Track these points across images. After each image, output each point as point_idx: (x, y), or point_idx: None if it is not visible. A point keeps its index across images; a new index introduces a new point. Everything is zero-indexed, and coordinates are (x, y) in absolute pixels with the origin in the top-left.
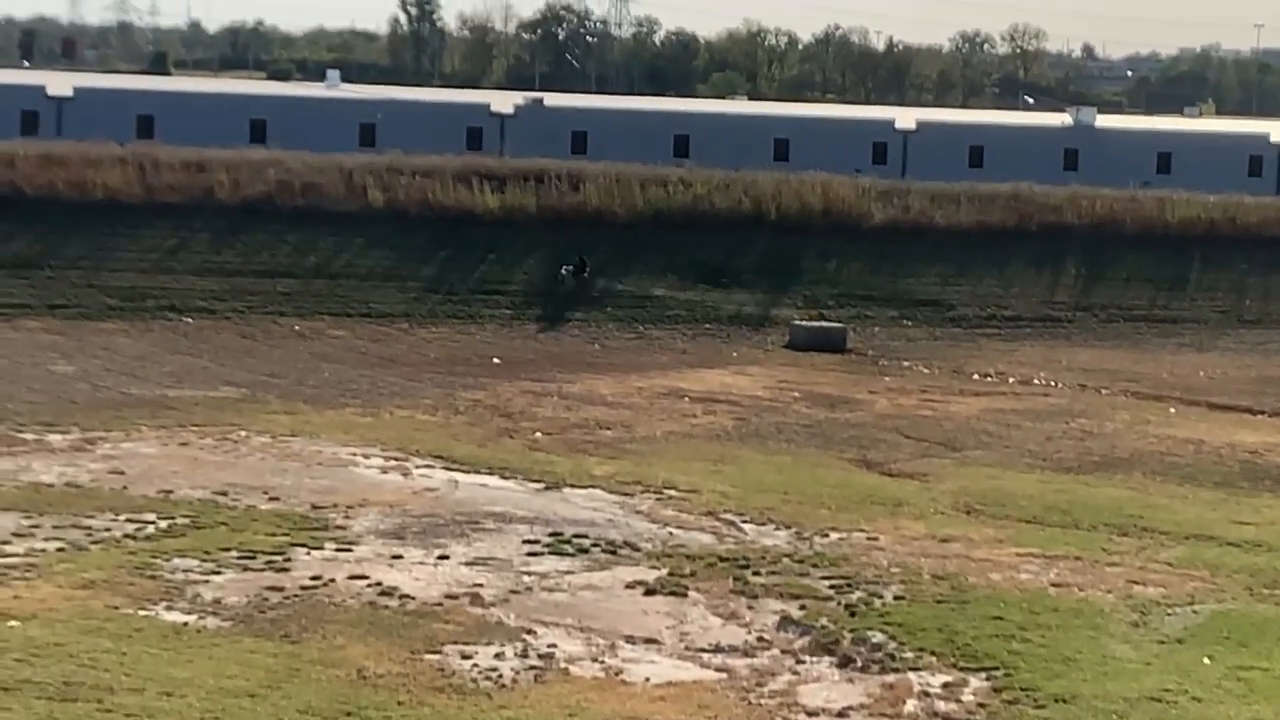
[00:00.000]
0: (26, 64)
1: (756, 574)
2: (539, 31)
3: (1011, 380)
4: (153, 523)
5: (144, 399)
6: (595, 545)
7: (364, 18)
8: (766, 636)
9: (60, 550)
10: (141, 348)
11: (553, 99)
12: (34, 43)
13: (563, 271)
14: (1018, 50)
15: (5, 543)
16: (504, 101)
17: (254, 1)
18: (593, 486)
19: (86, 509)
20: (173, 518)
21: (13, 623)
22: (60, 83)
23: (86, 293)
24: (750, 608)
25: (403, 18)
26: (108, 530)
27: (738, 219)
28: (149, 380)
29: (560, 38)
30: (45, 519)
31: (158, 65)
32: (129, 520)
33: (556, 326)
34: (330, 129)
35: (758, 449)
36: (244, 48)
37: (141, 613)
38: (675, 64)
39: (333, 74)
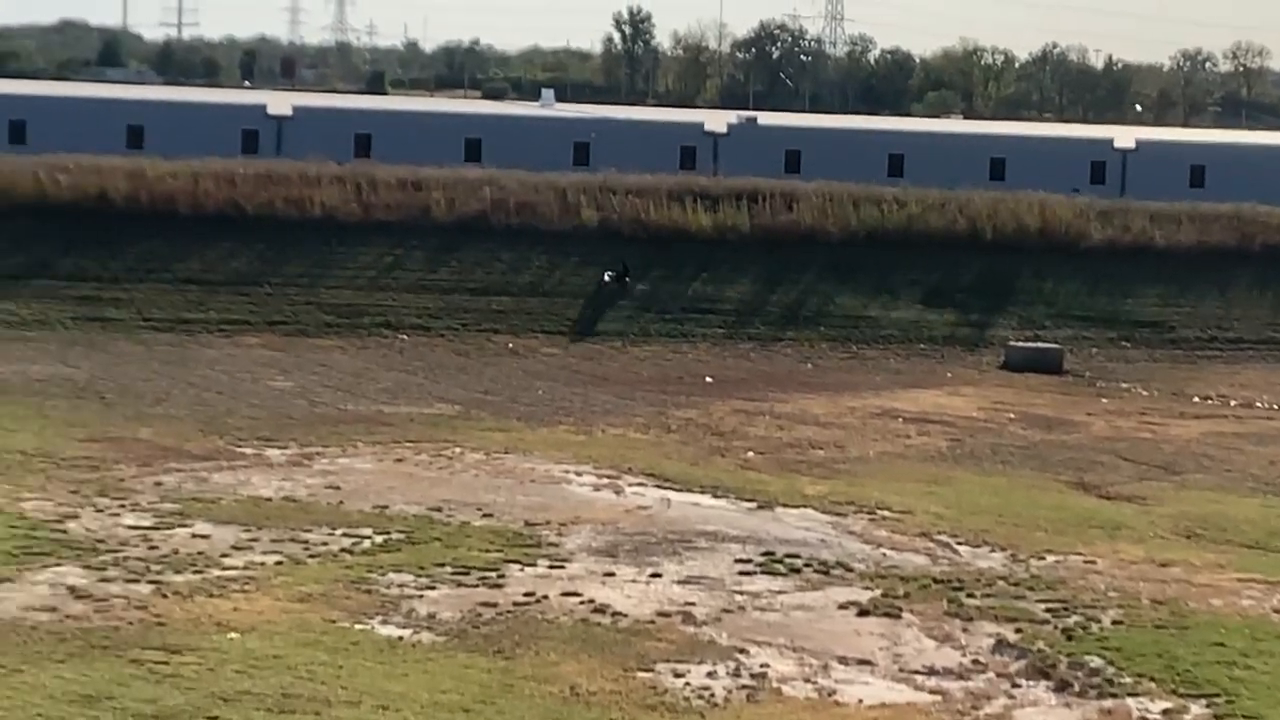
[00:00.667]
0: (247, 84)
1: (971, 596)
2: (753, 50)
3: (1233, 403)
4: (369, 537)
5: (360, 415)
6: (808, 565)
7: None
8: (981, 659)
9: (278, 563)
10: (358, 364)
11: (766, 118)
12: (254, 63)
13: (606, 277)
14: (1240, 68)
15: (225, 555)
16: (718, 120)
17: (470, 21)
18: (805, 506)
19: (304, 523)
20: (388, 533)
21: (232, 635)
22: (280, 102)
23: (305, 310)
24: (965, 630)
25: (617, 37)
26: (324, 544)
27: (952, 238)
28: (365, 396)
29: (774, 56)
30: (264, 532)
31: (375, 85)
32: (345, 535)
33: (767, 346)
34: (545, 148)
35: (972, 470)
36: (460, 67)
37: (358, 626)
38: (890, 82)
39: (547, 93)
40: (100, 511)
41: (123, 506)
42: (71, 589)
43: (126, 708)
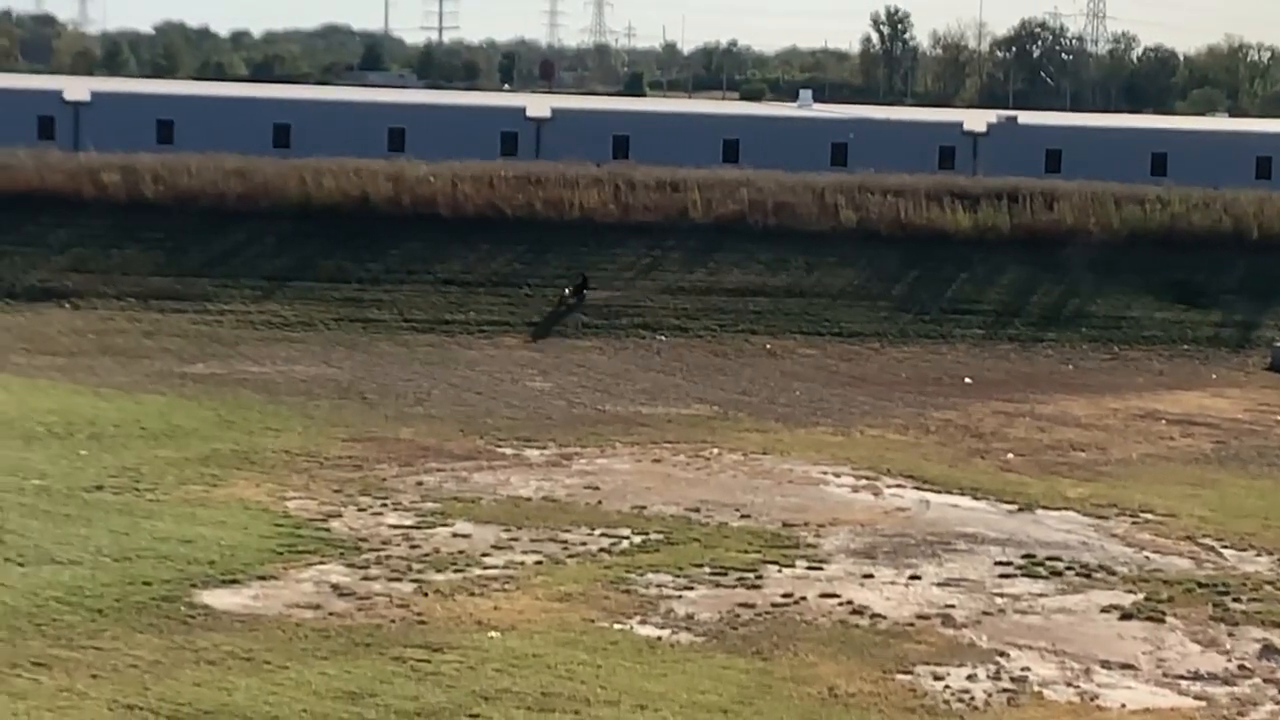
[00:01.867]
0: (506, 87)
1: (1237, 600)
2: (1013, 49)
3: None
4: (627, 538)
5: (618, 415)
6: (1069, 568)
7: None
8: (1248, 665)
9: (538, 563)
10: (616, 365)
11: (1027, 117)
12: (514, 66)
13: (565, 291)
14: None
15: (485, 555)
16: (977, 120)
17: (728, 22)
18: (1066, 509)
19: (563, 523)
20: (646, 533)
21: (493, 633)
22: (539, 104)
23: (563, 310)
24: (1231, 635)
25: (875, 37)
26: (583, 544)
27: (1217, 238)
28: (623, 397)
29: (1035, 55)
30: (523, 532)
31: (633, 86)
32: (604, 535)
33: (1028, 347)
34: (802, 148)
35: (1238, 473)
36: (718, 68)
37: (616, 626)
38: (1153, 80)
39: (805, 93)
40: (363, 510)
41: (385, 505)
42: (335, 587)
43: (389, 705)
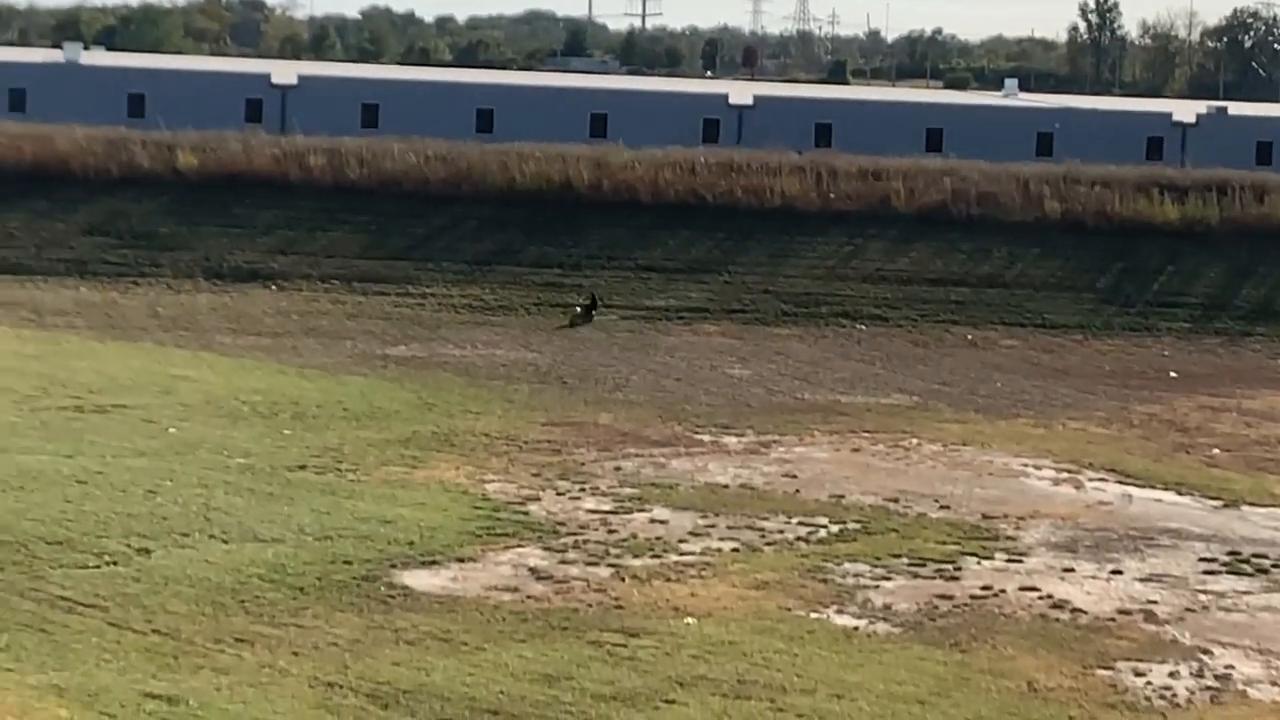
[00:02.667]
0: (709, 74)
1: None
2: (1224, 39)
3: None
4: (824, 526)
5: (816, 404)
6: (1276, 566)
7: (1043, 26)
8: None
9: (734, 550)
10: (815, 353)
11: (1237, 108)
12: (716, 53)
13: (576, 309)
14: None
15: (682, 541)
16: (1186, 110)
17: (933, 10)
18: (1274, 505)
19: (760, 511)
20: (844, 522)
21: (689, 620)
22: (741, 92)
23: (762, 298)
24: None
25: (1082, 26)
26: (780, 532)
27: None
28: (822, 385)
29: (1246, 46)
30: (720, 519)
31: (836, 74)
32: (801, 523)
33: (1235, 341)
34: (1006, 138)
35: None
36: (921, 57)
37: (813, 615)
38: None
39: (1010, 82)
40: (561, 495)
41: (583, 490)
42: (533, 570)
43: (585, 688)
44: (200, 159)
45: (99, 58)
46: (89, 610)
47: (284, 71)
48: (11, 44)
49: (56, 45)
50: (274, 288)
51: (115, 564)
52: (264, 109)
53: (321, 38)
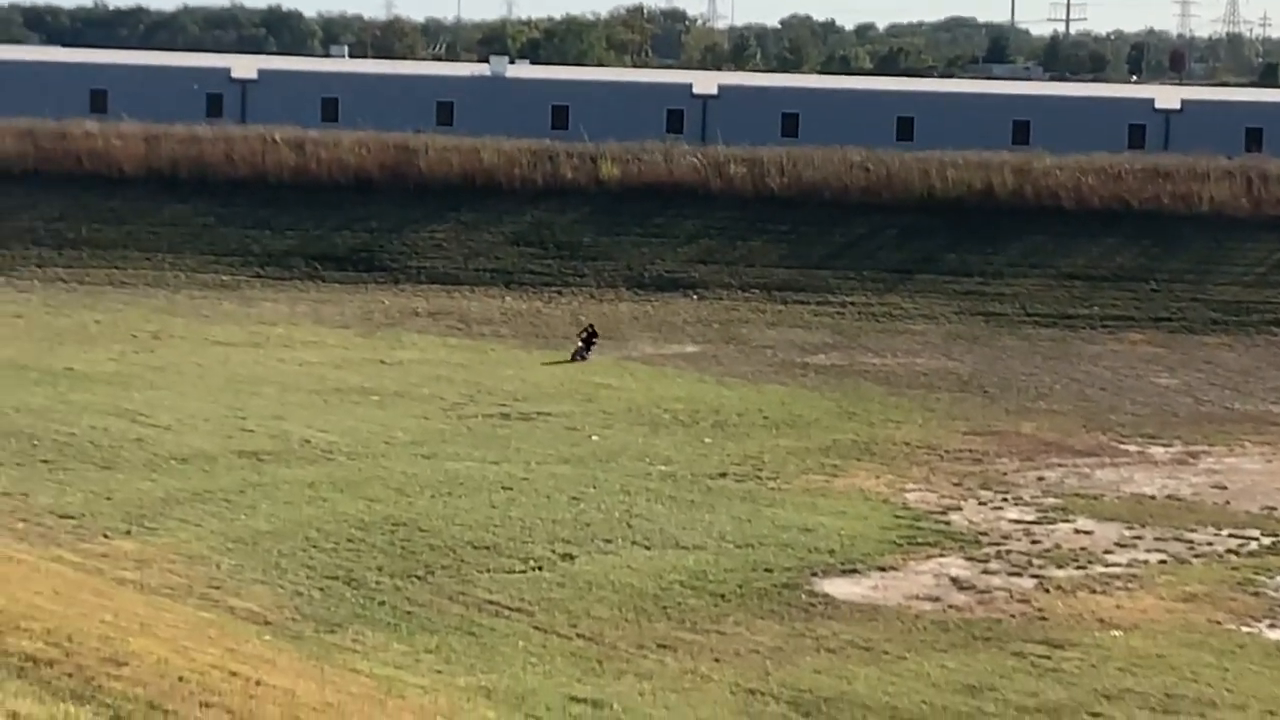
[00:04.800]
0: (1134, 78)
1: None
2: None
3: None
4: (1255, 539)
5: (1248, 414)
6: None
7: None
8: None
9: (1161, 562)
10: (1245, 362)
11: None
12: (1142, 56)
13: (579, 343)
14: None
15: (1107, 552)
16: None
17: None
18: None
19: (1188, 522)
20: (1277, 535)
21: (1115, 632)
22: (1167, 96)
23: (1190, 306)
24: None
25: None
26: (1209, 544)
27: None
28: (1253, 396)
29: None
30: (1147, 530)
31: (1267, 77)
32: (1231, 535)
33: None
34: None
35: None
36: None
37: (1244, 629)
38: None
39: None
40: (983, 504)
41: (1005, 500)
42: (954, 580)
43: (1009, 700)
44: (622, 169)
45: (524, 71)
46: (515, 614)
47: (705, 82)
48: (439, 58)
49: (483, 59)
50: (694, 297)
51: (540, 569)
52: (685, 119)
53: (741, 47)
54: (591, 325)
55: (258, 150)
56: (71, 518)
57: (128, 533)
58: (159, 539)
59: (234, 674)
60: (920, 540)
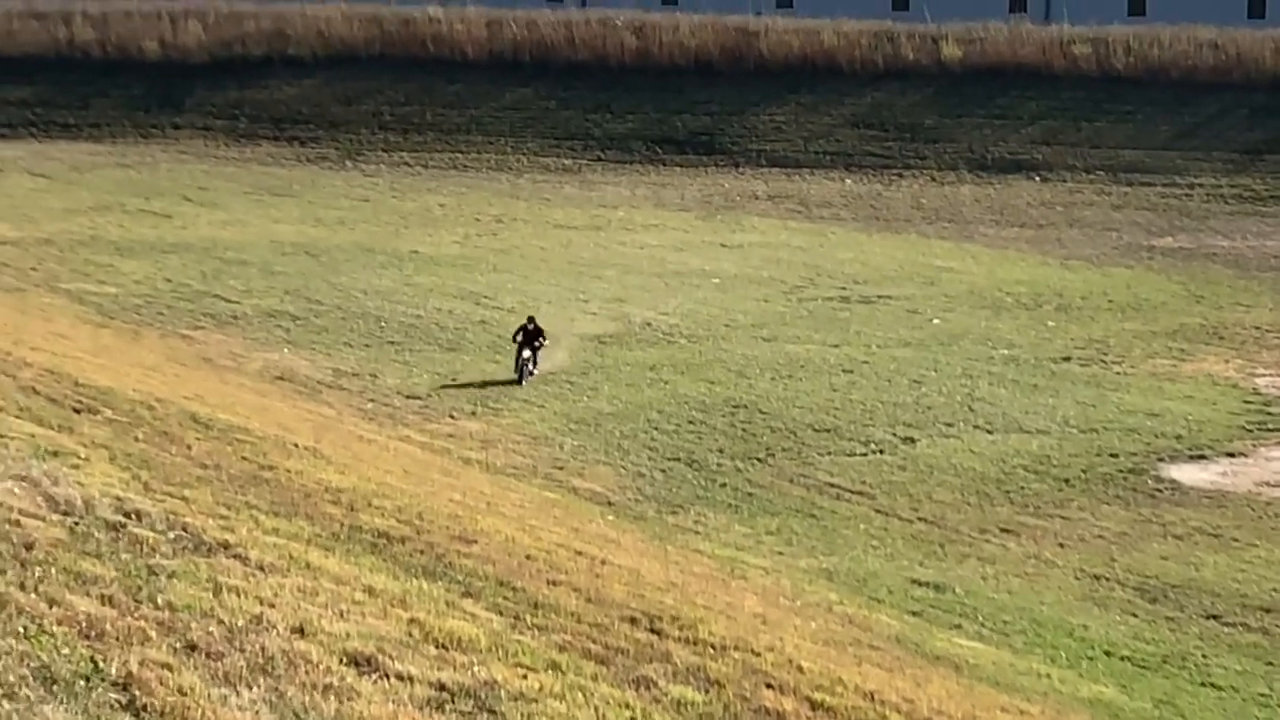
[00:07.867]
0: None
1: None
2: None
3: None
4: None
5: None
6: None
7: None
8: None
9: None
10: None
11: None
12: None
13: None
14: None
15: None
16: None
17: None
18: None
19: None
20: None
21: None
22: None
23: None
24: None
25: None
26: None
27: None
28: None
29: None
30: None
31: None
32: None
33: None
34: None
35: None
36: None
37: None
38: None
39: None
40: None
41: None
42: None
43: None
44: (965, 50)
45: None
46: (856, 497)
47: None
48: None
49: None
50: (1037, 179)
51: (881, 452)
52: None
53: None
54: (531, 318)
55: (598, 34)
56: (418, 398)
57: (473, 413)
58: (503, 420)
59: (579, 553)
60: (1271, 426)
